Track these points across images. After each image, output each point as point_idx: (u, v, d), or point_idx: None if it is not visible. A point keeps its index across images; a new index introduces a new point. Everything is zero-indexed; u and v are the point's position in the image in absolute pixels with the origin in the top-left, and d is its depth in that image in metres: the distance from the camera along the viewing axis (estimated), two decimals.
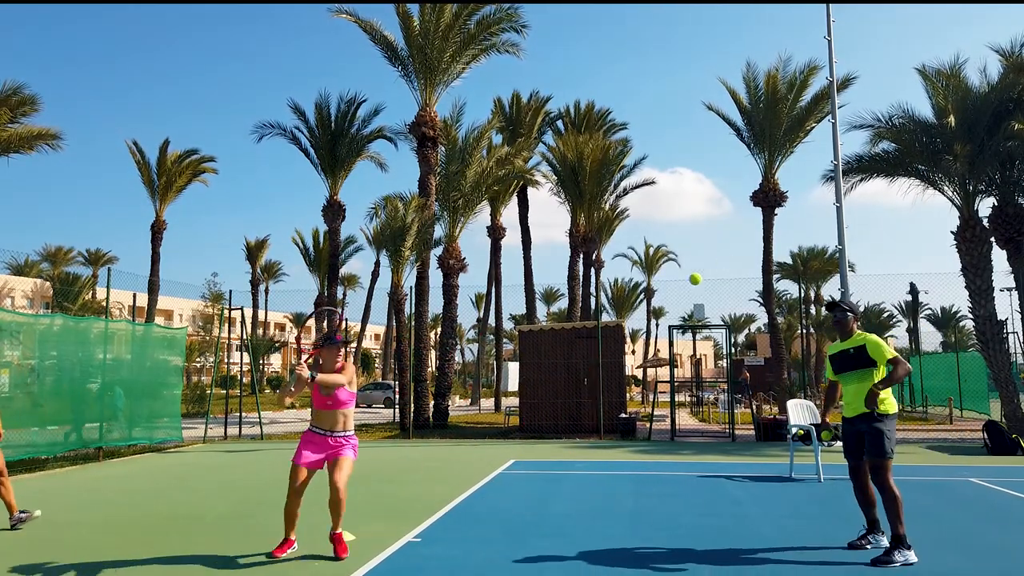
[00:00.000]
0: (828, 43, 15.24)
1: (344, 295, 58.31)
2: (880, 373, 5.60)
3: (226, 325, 19.34)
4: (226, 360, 36.29)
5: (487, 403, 34.45)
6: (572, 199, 27.59)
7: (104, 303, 19.23)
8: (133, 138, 48.08)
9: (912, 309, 53.56)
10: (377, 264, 35.09)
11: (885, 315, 56.80)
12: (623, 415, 17.10)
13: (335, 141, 24.01)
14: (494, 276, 32.44)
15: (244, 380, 24.17)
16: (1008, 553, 5.61)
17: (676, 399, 18.17)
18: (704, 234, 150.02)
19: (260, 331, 60.70)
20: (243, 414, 18.27)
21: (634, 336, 76.51)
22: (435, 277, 21.22)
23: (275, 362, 72.97)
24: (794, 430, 9.83)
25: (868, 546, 5.65)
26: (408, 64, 21.00)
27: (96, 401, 12.69)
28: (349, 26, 25.19)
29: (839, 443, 5.96)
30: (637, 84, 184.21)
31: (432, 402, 20.31)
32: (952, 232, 15.63)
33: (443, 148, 22.02)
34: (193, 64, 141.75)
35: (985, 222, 15.52)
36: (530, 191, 30.78)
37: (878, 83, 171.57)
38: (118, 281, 14.00)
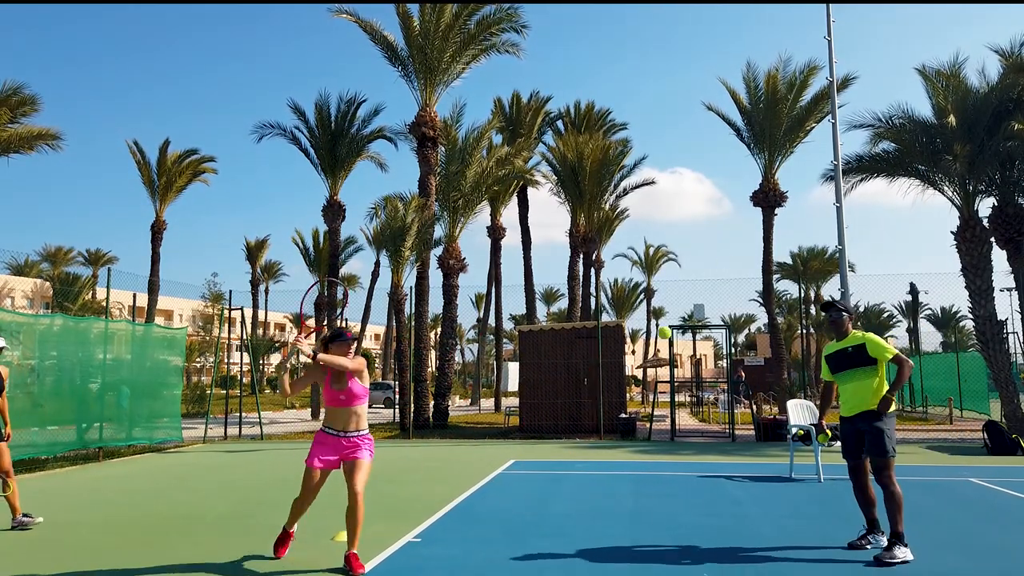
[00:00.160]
0: (828, 43, 15.27)
1: (344, 295, 58.21)
2: (881, 371, 5.60)
3: (226, 325, 19.37)
4: (226, 360, 36.34)
5: (487, 403, 34.49)
6: (572, 199, 27.60)
7: (104, 303, 19.23)
8: (133, 138, 48.17)
9: (912, 309, 53.59)
10: (377, 264, 35.03)
11: (885, 315, 56.93)
12: (623, 415, 17.10)
13: (335, 141, 24.00)
14: (494, 276, 32.46)
15: (244, 380, 24.20)
16: (1008, 553, 5.61)
17: (676, 399, 18.17)
18: (704, 234, 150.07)
19: (260, 331, 60.74)
20: (243, 414, 18.29)
21: (634, 336, 76.51)
22: (435, 277, 21.27)
23: (275, 362, 72.86)
24: (794, 430, 9.85)
25: (868, 546, 5.66)
26: (408, 64, 21.02)
27: (96, 401, 12.70)
28: (349, 26, 25.24)
29: (838, 443, 5.97)
30: (637, 84, 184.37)
31: (432, 402, 20.33)
32: (952, 232, 15.63)
33: (443, 148, 22.04)
34: (193, 64, 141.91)
35: (985, 222, 15.52)
36: (530, 191, 30.83)
37: (878, 83, 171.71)
38: (118, 281, 14.03)
